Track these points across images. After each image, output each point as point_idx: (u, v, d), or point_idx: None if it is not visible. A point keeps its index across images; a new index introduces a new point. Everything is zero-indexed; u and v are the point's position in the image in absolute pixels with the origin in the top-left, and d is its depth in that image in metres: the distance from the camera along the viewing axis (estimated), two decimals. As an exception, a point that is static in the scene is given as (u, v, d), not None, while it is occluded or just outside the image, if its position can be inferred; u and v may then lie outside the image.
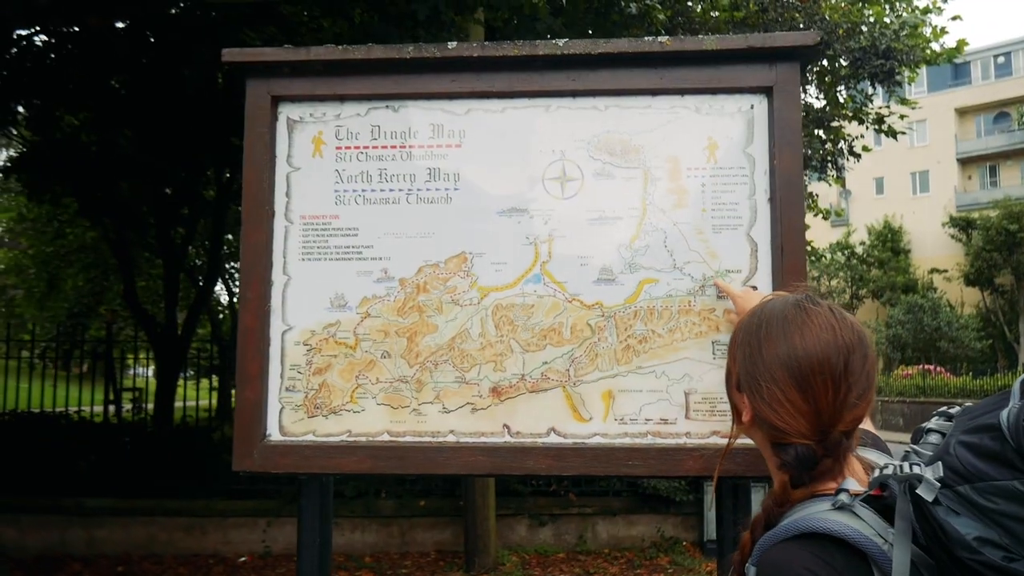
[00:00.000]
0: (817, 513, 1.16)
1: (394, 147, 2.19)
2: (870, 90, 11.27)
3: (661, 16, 6.00)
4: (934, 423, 1.18)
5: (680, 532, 8.09)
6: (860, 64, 9.89)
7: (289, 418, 2.14)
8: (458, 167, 2.17)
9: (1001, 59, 42.10)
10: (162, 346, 10.65)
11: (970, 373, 25.37)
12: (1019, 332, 34.32)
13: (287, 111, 2.22)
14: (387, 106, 2.20)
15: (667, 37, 2.12)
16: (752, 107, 2.14)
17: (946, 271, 36.47)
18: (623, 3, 5.39)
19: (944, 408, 1.20)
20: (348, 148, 2.20)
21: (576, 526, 8.06)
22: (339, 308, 2.15)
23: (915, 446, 1.16)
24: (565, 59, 2.12)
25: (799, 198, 2.07)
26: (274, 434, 2.13)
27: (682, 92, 2.14)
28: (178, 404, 11.41)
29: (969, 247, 35.15)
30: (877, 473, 1.14)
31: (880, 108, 11.77)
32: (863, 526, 1.13)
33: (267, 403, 2.14)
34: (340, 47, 2.16)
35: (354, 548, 7.80)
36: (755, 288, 2.07)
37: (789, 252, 2.05)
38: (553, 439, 2.07)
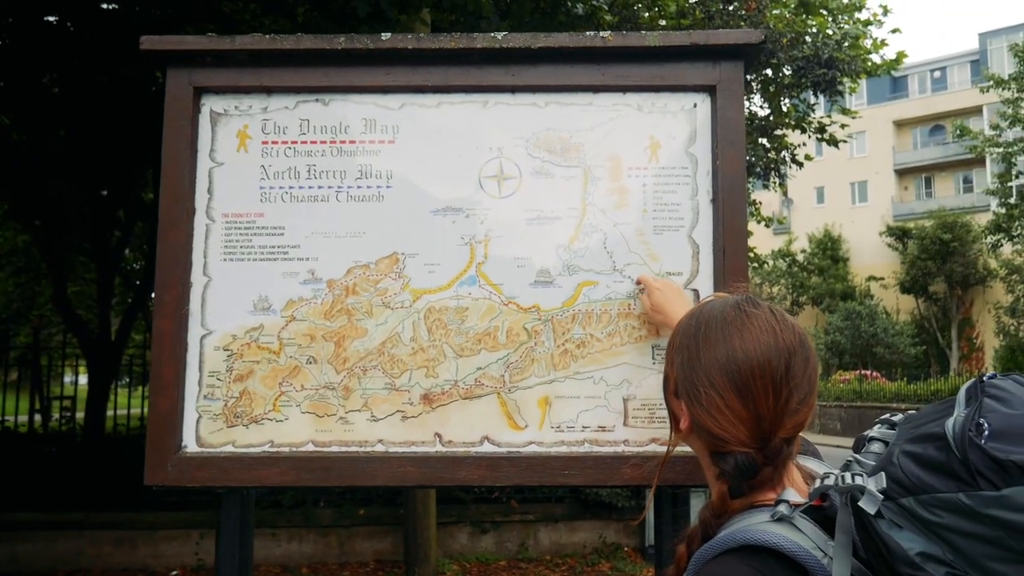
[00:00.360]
0: (756, 525, 1.11)
1: (324, 142, 2.09)
2: (812, 100, 11.47)
3: (608, 18, 5.98)
4: (876, 431, 1.13)
5: (622, 538, 8.06)
6: (803, 73, 10.05)
7: (207, 428, 2.01)
8: (391, 164, 2.08)
9: (937, 74, 43.42)
10: (94, 352, 10.29)
11: (905, 378, 25.98)
12: (951, 338, 35.34)
13: (211, 103, 2.10)
14: (317, 99, 2.09)
15: (609, 32, 2.05)
16: (695, 106, 2.08)
17: (883, 279, 37.37)
18: (570, 3, 5.35)
19: (887, 416, 1.16)
20: (275, 143, 2.09)
21: (518, 533, 7.97)
22: (263, 311, 2.04)
23: (857, 455, 1.11)
24: (504, 53, 2.04)
25: (741, 199, 2.02)
26: (190, 445, 2.00)
27: (624, 89, 2.08)
28: (112, 413, 11.02)
29: (905, 256, 36.09)
30: (818, 483, 1.09)
31: (822, 117, 11.98)
32: (803, 539, 1.08)
33: (183, 412, 2.01)
34: (268, 36, 2.04)
35: (291, 559, 7.60)
36: (696, 292, 2.01)
37: (731, 254, 2.00)
38: (487, 448, 1.98)
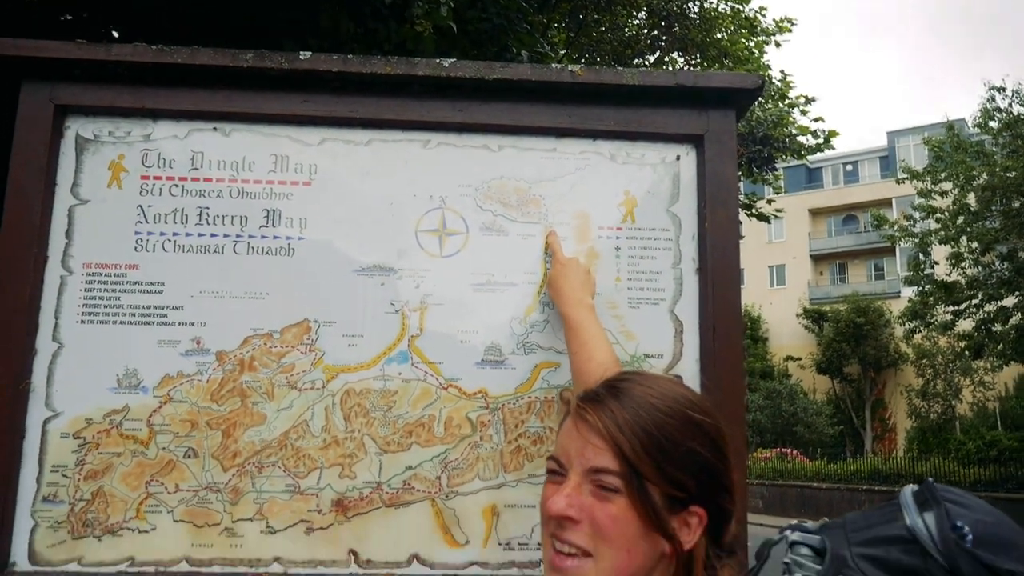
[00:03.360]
0: None
1: (221, 180, 1.67)
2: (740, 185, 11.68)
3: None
4: (797, 536, 0.99)
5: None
6: (740, 151, 10.17)
7: (45, 540, 1.53)
8: (306, 211, 1.67)
9: (849, 167, 45.47)
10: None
11: (824, 457, 26.21)
12: (865, 419, 36.08)
13: (77, 126, 1.67)
14: (215, 128, 1.69)
15: (580, 66, 1.72)
16: (678, 159, 1.75)
17: (800, 359, 38.14)
18: (514, 49, 5.05)
19: (796, 522, 1.03)
20: (158, 178, 1.66)
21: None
22: (129, 389, 1.58)
23: (793, 557, 0.96)
24: (451, 84, 1.69)
25: (734, 269, 1.68)
26: (20, 562, 1.52)
27: (594, 135, 1.74)
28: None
29: (821, 337, 36.95)
30: None
31: (748, 195, 12.22)
32: None
33: (14, 519, 1.53)
34: (154, 47, 1.63)
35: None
36: (679, 377, 1.65)
37: (723, 334, 1.65)
38: (416, 571, 1.56)
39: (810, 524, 1.02)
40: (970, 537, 0.85)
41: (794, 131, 11.51)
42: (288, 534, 1.56)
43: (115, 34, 4.91)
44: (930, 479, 0.95)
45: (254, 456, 1.58)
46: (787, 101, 11.45)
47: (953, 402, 31.00)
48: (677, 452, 1.01)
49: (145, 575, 1.52)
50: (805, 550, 0.97)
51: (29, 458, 1.55)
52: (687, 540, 1.02)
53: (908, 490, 0.95)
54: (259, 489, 1.57)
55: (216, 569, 1.53)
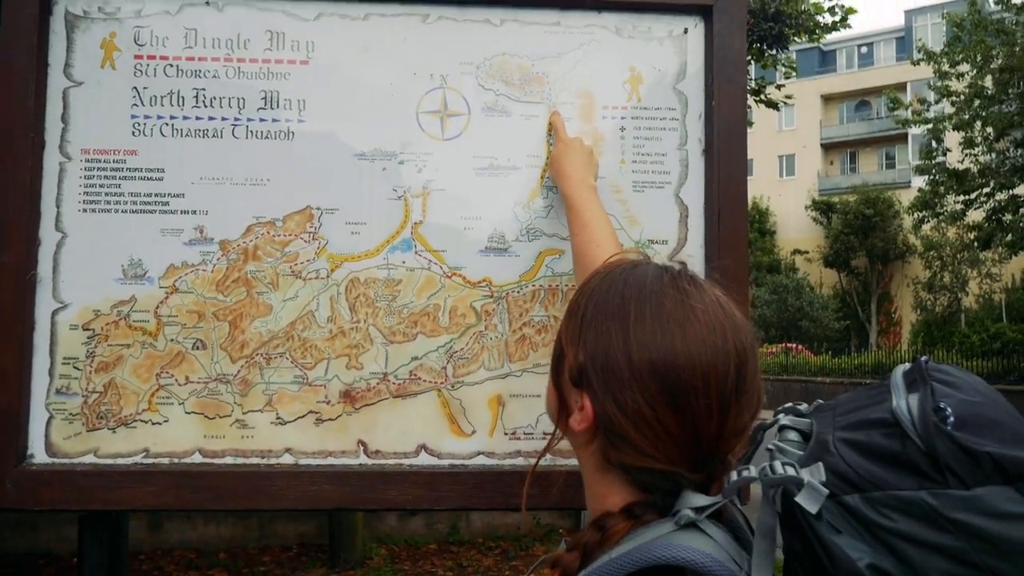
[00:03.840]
0: (660, 539, 0.87)
1: (216, 60, 1.62)
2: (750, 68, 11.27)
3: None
4: (787, 419, 0.95)
5: (556, 520, 7.77)
6: (750, 27, 9.80)
7: (61, 432, 1.54)
8: (304, 91, 1.62)
9: (864, 49, 44.14)
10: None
11: (829, 352, 26.53)
12: (871, 312, 36.29)
13: (66, 2, 1.60)
14: (207, 3, 1.62)
15: (583, -68, 1.63)
16: (686, 31, 1.68)
17: (807, 252, 38.09)
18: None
19: (790, 404, 0.99)
20: (152, 58, 1.61)
21: (449, 515, 7.59)
22: (135, 280, 1.57)
23: (777, 443, 0.92)
24: (450, -46, 1.60)
25: (741, 150, 1.64)
26: (38, 455, 1.54)
27: (599, 7, 1.66)
28: None
29: (829, 230, 36.79)
30: (734, 476, 0.89)
31: (759, 80, 11.85)
32: (716, 549, 0.86)
33: (29, 411, 1.54)
34: (139, -83, 1.55)
35: (208, 543, 7.07)
36: (683, 264, 1.62)
37: (727, 217, 1.62)
38: (424, 460, 1.57)
39: (803, 407, 0.98)
40: (951, 419, 0.80)
41: (809, 7, 11.07)
42: (298, 425, 1.57)
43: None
44: (924, 358, 0.90)
45: (262, 347, 1.58)
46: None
47: (959, 294, 31.10)
48: (591, 324, 0.96)
49: (159, 467, 1.54)
50: (793, 434, 0.93)
51: (40, 350, 1.55)
52: (575, 422, 0.97)
53: (899, 370, 0.90)
54: (268, 380, 1.58)
55: (228, 460, 1.55)
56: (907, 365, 0.91)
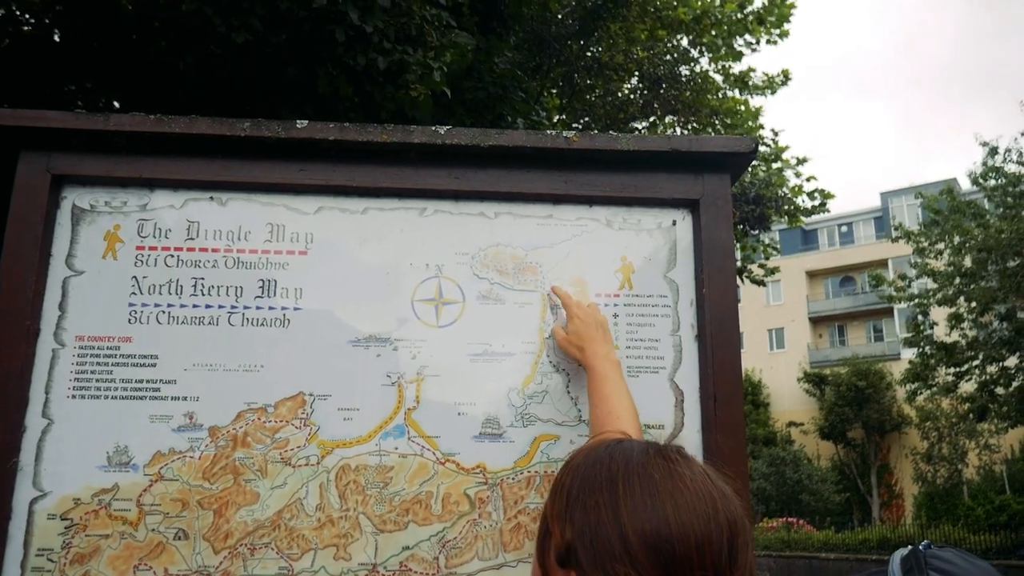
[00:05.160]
0: None
1: (216, 250, 1.66)
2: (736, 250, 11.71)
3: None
4: None
5: None
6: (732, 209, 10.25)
7: (28, 629, 1.46)
8: (301, 281, 1.66)
9: (844, 228, 45.76)
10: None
11: (832, 526, 25.74)
12: (871, 485, 35.53)
13: (74, 196, 1.66)
14: (212, 197, 1.68)
15: (574, 132, 1.72)
16: (674, 223, 1.74)
17: (802, 424, 37.72)
18: (508, 118, 5.14)
19: None
20: (154, 249, 1.65)
21: None
22: (119, 467, 1.54)
23: None
24: (446, 151, 1.69)
25: (734, 335, 1.66)
26: (1, 654, 1.45)
27: (591, 201, 1.73)
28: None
29: (823, 402, 36.62)
30: None
31: (744, 259, 12.24)
32: None
33: (-4, 607, 1.46)
34: (152, 116, 1.64)
35: None
36: (679, 449, 1.60)
37: (724, 403, 1.61)
38: (414, 658, 1.48)
39: None
40: None
41: (788, 192, 11.58)
42: (280, 619, 1.50)
43: (116, 104, 4.98)
44: (922, 543, 0.90)
45: (246, 537, 1.53)
46: (778, 165, 11.56)
47: (959, 466, 30.61)
48: (578, 499, 0.94)
49: (131, 663, 1.45)
50: None
51: (14, 540, 1.49)
52: None
53: (897, 557, 0.89)
54: (251, 572, 1.51)
55: (206, 656, 1.47)
56: (905, 550, 0.89)
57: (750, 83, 10.83)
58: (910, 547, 0.89)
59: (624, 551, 0.87)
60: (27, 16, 4.90)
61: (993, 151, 17.85)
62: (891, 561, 0.89)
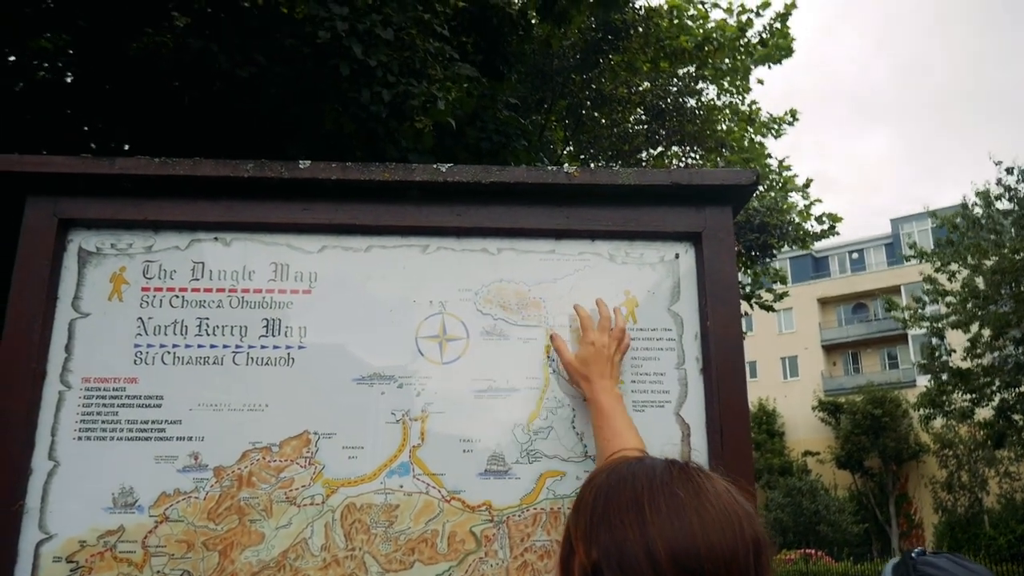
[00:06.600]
0: None
1: (221, 290, 1.67)
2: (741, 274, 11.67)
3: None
4: None
5: None
6: (737, 237, 10.24)
7: (31, 675, 1.45)
8: (306, 319, 1.66)
9: (856, 255, 45.60)
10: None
11: (851, 558, 25.36)
12: (889, 515, 35.03)
13: (80, 240, 1.68)
14: (216, 238, 1.70)
15: (575, 168, 1.73)
16: (677, 257, 1.74)
17: (818, 453, 37.30)
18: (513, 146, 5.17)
19: None
20: (159, 290, 1.66)
21: None
22: (124, 509, 1.54)
23: None
24: (448, 188, 1.70)
25: (740, 367, 1.65)
26: None
27: (593, 235, 1.74)
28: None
29: (839, 430, 36.25)
30: None
31: (748, 286, 12.22)
32: None
33: (0, 652, 1.46)
34: (157, 159, 1.66)
35: None
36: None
37: (730, 436, 1.60)
38: None
39: None
40: None
41: (795, 218, 11.57)
42: (286, 661, 1.48)
43: (126, 147, 5.04)
44: (916, 551, 0.90)
45: (251, 576, 1.52)
46: (785, 190, 11.58)
47: (980, 494, 30.17)
48: (603, 519, 0.95)
49: None
50: None
51: (19, 584, 1.49)
52: None
53: (889, 566, 0.91)
54: (256, 612, 1.51)
55: None
56: (896, 559, 0.91)
57: (756, 122, 10.90)
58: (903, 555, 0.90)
59: (652, 569, 0.87)
60: (41, 62, 4.99)
61: (1009, 170, 17.82)
62: (884, 571, 0.92)
